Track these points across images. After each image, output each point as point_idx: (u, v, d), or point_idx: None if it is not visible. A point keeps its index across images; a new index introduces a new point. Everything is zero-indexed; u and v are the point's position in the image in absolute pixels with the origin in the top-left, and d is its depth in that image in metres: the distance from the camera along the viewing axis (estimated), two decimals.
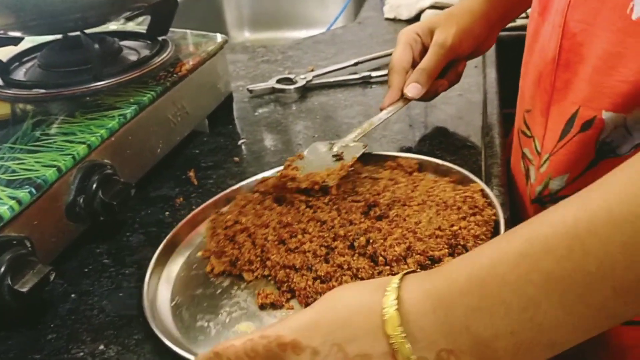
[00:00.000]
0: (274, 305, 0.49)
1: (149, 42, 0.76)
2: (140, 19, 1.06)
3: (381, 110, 0.69)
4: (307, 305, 0.48)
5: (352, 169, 0.61)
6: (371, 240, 0.50)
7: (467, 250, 0.49)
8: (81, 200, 0.54)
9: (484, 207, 0.52)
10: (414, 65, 0.70)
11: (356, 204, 0.55)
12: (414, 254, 0.48)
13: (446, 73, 0.72)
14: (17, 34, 0.67)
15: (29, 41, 0.75)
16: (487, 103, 0.77)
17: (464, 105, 0.80)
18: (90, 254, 0.58)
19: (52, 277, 0.47)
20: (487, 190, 0.55)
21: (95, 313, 0.52)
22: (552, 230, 0.33)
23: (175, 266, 0.55)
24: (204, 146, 0.76)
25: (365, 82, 0.88)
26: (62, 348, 0.49)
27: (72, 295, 0.54)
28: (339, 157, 0.62)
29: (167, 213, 0.63)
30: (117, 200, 0.55)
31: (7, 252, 0.46)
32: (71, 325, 0.51)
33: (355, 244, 0.51)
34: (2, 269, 0.45)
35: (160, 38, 0.76)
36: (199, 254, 0.56)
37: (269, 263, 0.52)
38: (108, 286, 0.54)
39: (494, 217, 0.52)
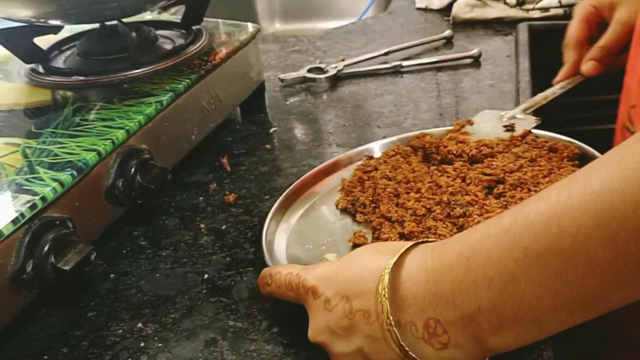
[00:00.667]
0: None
1: (183, 31, 0.78)
2: (174, 9, 1.07)
3: (553, 84, 0.69)
4: None
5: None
6: (467, 213, 0.51)
7: None
8: (120, 184, 0.55)
9: None
10: (591, 39, 0.69)
11: (483, 177, 0.55)
12: None
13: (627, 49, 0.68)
14: (57, 22, 0.69)
15: (68, 30, 0.77)
16: (520, 93, 0.77)
17: (496, 95, 0.80)
18: (128, 236, 0.60)
19: (93, 256, 0.48)
20: None
21: (133, 292, 0.53)
22: (534, 206, 0.34)
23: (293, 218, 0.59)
24: (237, 134, 0.78)
25: (396, 71, 0.88)
26: (102, 325, 0.50)
27: (111, 275, 0.55)
28: (509, 128, 0.62)
29: (201, 198, 0.65)
30: (154, 184, 0.56)
31: (50, 231, 0.48)
32: (110, 303, 0.52)
33: (452, 212, 0.52)
34: (46, 248, 0.47)
35: (194, 27, 0.77)
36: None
37: (377, 210, 0.55)
38: (145, 267, 0.56)
39: None
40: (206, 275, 0.54)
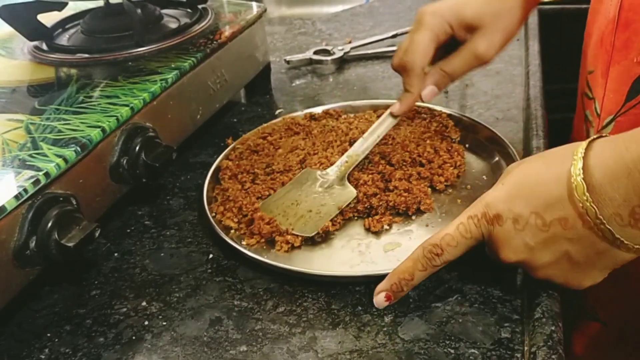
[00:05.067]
0: None
1: (188, 10, 0.77)
2: None
3: (393, 116, 0.60)
4: None
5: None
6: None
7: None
8: (124, 162, 0.55)
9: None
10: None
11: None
12: None
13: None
14: None
15: (72, 8, 0.76)
16: (529, 76, 0.76)
17: (505, 78, 0.79)
18: (132, 215, 0.59)
19: (97, 234, 0.48)
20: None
21: (137, 271, 0.53)
22: None
23: None
24: (242, 115, 0.77)
25: None
26: (106, 303, 0.50)
27: (115, 254, 0.55)
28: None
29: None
30: (159, 163, 0.55)
31: (53, 208, 0.47)
32: (114, 282, 0.52)
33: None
34: (49, 224, 0.46)
35: (199, 6, 0.76)
36: None
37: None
38: (150, 246, 0.55)
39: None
40: (211, 255, 0.54)
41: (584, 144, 0.40)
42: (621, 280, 0.47)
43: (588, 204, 0.39)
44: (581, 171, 0.39)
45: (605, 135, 0.41)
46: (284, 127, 0.68)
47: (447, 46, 0.58)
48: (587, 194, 0.39)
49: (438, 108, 0.68)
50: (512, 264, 0.44)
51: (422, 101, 0.60)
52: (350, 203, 0.56)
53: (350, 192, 0.57)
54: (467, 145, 0.64)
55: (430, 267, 0.45)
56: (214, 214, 0.56)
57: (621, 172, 0.38)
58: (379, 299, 0.46)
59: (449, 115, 0.67)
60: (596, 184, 0.38)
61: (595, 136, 0.41)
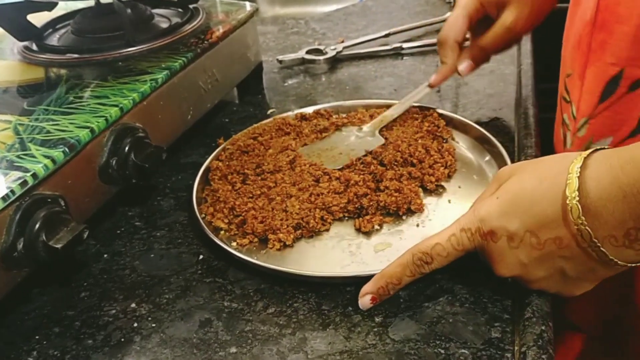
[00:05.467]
0: None
1: (179, 9, 0.76)
2: None
3: (430, 87, 0.67)
4: None
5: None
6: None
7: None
8: (114, 162, 0.54)
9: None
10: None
11: None
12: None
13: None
14: None
15: (62, 8, 0.76)
16: (522, 75, 0.76)
17: (497, 77, 0.79)
18: (122, 216, 0.59)
19: (85, 235, 0.47)
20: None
21: (127, 273, 0.52)
22: None
23: None
24: (234, 115, 0.76)
25: (397, 53, 0.87)
26: (95, 305, 0.49)
27: (105, 256, 0.54)
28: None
29: None
30: (149, 163, 0.55)
31: (41, 209, 0.47)
32: (104, 284, 0.51)
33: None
34: (37, 226, 0.46)
35: (191, 6, 0.76)
36: None
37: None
38: (140, 247, 0.55)
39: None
40: (201, 256, 0.54)
41: (579, 160, 0.40)
42: None
43: (583, 227, 0.39)
44: (577, 193, 0.38)
45: (601, 148, 0.41)
46: (274, 128, 0.68)
47: (487, 26, 0.63)
48: (582, 217, 0.38)
49: (430, 108, 0.68)
50: (506, 278, 0.44)
51: (461, 76, 0.65)
52: (375, 151, 0.61)
53: (379, 139, 0.64)
54: (458, 145, 0.64)
55: (418, 274, 0.45)
56: (203, 215, 0.56)
57: (617, 195, 0.37)
58: (365, 300, 0.46)
59: (441, 115, 0.67)
60: (591, 207, 0.38)
61: (589, 150, 0.40)
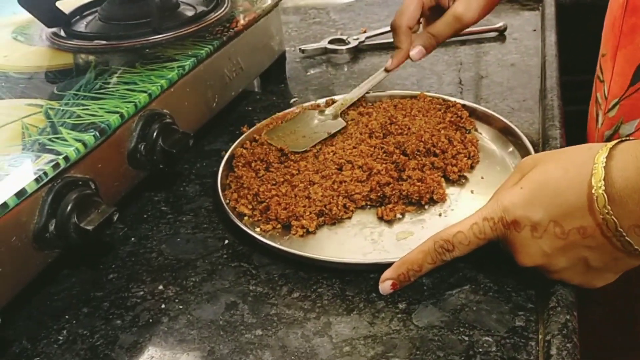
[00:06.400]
0: None
1: None
2: None
3: (387, 71, 0.69)
4: None
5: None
6: None
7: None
8: (142, 147, 0.55)
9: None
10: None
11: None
12: None
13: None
14: None
15: None
16: (546, 67, 0.76)
17: (522, 68, 0.78)
18: (149, 201, 0.60)
19: (115, 217, 0.48)
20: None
21: (154, 256, 0.53)
22: None
23: None
24: (257, 104, 0.77)
25: None
26: (123, 287, 0.50)
27: (132, 239, 0.55)
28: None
29: None
30: (176, 149, 0.56)
31: (73, 191, 0.48)
32: (131, 266, 0.52)
33: None
34: (69, 208, 0.47)
35: None
36: None
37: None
38: (166, 231, 0.56)
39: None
40: (226, 241, 0.54)
41: (605, 151, 0.40)
42: None
43: (609, 217, 0.39)
44: (602, 183, 0.39)
45: (627, 139, 0.41)
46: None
47: (439, 14, 0.66)
48: (608, 206, 0.39)
49: (452, 99, 0.68)
50: (528, 268, 0.44)
51: (412, 60, 0.67)
52: (338, 132, 0.65)
53: (340, 122, 0.66)
54: (481, 136, 0.64)
55: (439, 261, 0.46)
56: (227, 201, 0.57)
57: None
58: (385, 286, 0.47)
59: (464, 106, 0.67)
60: (617, 196, 0.38)
61: (615, 141, 0.40)
